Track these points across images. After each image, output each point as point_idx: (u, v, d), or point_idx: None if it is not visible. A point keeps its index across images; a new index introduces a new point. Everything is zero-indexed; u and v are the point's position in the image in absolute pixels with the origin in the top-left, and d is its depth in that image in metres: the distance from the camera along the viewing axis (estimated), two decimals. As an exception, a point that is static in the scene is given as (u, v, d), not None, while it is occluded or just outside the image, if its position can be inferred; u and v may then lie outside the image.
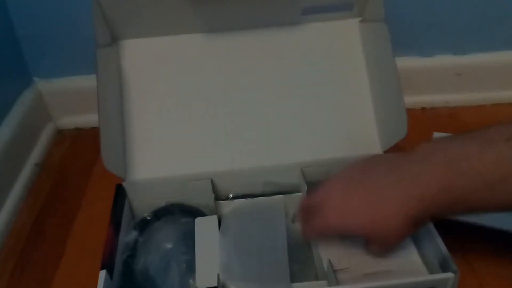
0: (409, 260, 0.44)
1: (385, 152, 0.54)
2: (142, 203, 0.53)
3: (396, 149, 0.53)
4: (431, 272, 0.43)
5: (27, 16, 0.68)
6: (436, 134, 0.65)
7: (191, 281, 0.44)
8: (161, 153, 0.53)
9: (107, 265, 0.42)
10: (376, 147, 0.54)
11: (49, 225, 0.60)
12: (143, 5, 0.52)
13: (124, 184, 0.52)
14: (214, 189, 0.53)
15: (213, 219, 0.49)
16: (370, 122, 0.55)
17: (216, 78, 0.55)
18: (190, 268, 0.44)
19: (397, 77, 0.51)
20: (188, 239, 0.47)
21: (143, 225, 0.50)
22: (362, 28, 0.57)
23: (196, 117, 0.54)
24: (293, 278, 0.43)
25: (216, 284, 0.42)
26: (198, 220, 0.49)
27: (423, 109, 0.78)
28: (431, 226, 0.44)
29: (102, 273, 0.41)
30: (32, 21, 0.69)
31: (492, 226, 0.53)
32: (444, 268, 0.41)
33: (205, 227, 0.48)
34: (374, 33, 0.54)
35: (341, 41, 0.57)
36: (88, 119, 0.76)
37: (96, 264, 0.42)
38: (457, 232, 0.54)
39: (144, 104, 0.54)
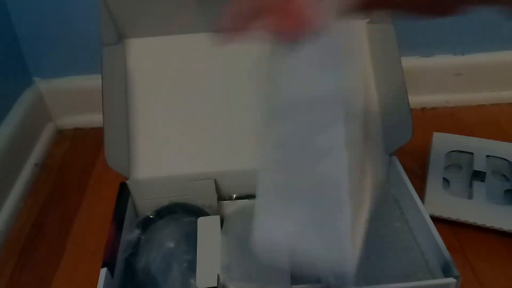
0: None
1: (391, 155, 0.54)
2: (145, 201, 0.53)
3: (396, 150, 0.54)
4: (433, 275, 0.42)
5: (27, 16, 0.68)
6: (436, 134, 0.65)
7: (192, 280, 0.44)
8: (165, 152, 0.53)
9: (108, 263, 0.42)
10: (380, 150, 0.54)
11: (49, 225, 0.60)
12: (149, 4, 0.52)
13: (128, 182, 0.52)
14: (218, 189, 0.53)
15: (216, 219, 0.49)
16: (376, 124, 0.55)
17: (221, 78, 0.55)
18: (192, 267, 0.44)
19: (403, 80, 0.51)
20: (191, 239, 0.47)
21: (146, 224, 0.51)
22: (369, 29, 0.56)
23: (200, 116, 0.54)
24: (294, 280, 0.43)
25: (215, 285, 0.42)
26: (201, 220, 0.49)
27: (423, 109, 0.78)
28: (432, 228, 0.44)
29: (103, 271, 0.41)
30: (32, 21, 0.69)
31: (492, 226, 0.53)
32: (446, 272, 0.41)
33: (207, 227, 0.48)
34: (381, 34, 0.54)
35: (348, 42, 0.57)
36: (88, 119, 0.76)
37: (96, 264, 0.42)
38: (457, 232, 0.54)
39: (149, 103, 0.54)
